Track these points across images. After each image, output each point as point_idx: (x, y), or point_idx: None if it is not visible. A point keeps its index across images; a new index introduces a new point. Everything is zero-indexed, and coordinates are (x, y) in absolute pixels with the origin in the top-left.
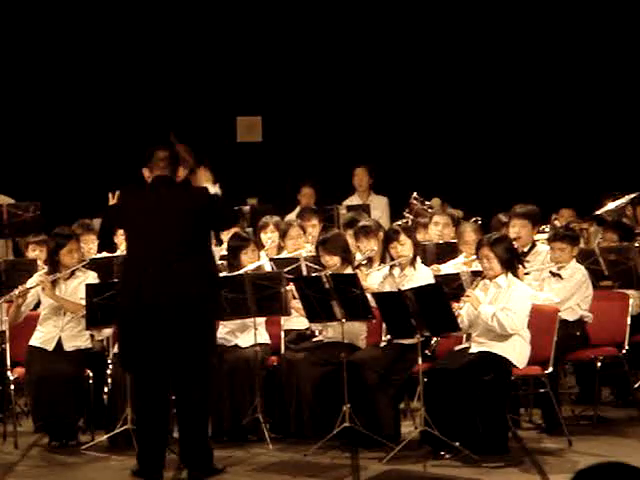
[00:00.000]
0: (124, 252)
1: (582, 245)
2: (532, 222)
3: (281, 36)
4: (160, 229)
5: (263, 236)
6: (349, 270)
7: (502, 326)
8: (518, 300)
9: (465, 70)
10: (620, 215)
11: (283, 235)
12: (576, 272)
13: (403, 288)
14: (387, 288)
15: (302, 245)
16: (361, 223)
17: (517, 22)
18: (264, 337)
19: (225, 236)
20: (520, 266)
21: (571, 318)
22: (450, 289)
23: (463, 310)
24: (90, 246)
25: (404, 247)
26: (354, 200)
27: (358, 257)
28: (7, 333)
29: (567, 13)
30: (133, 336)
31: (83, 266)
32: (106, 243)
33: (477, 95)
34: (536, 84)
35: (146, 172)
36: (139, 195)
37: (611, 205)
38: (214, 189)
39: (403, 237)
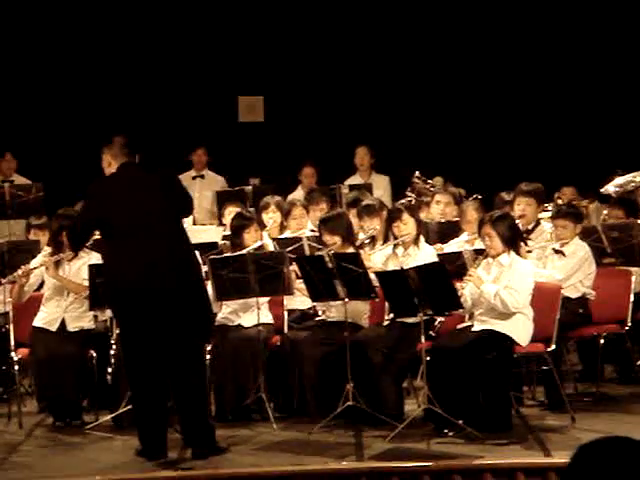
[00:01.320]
0: None
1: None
2: (537, 200)
3: (282, 16)
4: (145, 216)
5: (264, 216)
6: (351, 250)
7: (505, 304)
8: (521, 278)
9: (466, 48)
10: (626, 193)
11: (286, 215)
12: (579, 249)
13: (406, 267)
14: (390, 267)
15: (305, 225)
16: (364, 202)
17: (520, 5)
18: (267, 317)
19: (226, 217)
20: (523, 244)
21: (574, 295)
22: (453, 267)
23: (466, 290)
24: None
25: (407, 226)
26: (355, 179)
27: (361, 236)
28: (11, 314)
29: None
30: (131, 323)
31: (86, 247)
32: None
33: (478, 74)
34: (536, 62)
35: (110, 160)
36: (113, 188)
37: (619, 179)
38: None
39: (406, 216)
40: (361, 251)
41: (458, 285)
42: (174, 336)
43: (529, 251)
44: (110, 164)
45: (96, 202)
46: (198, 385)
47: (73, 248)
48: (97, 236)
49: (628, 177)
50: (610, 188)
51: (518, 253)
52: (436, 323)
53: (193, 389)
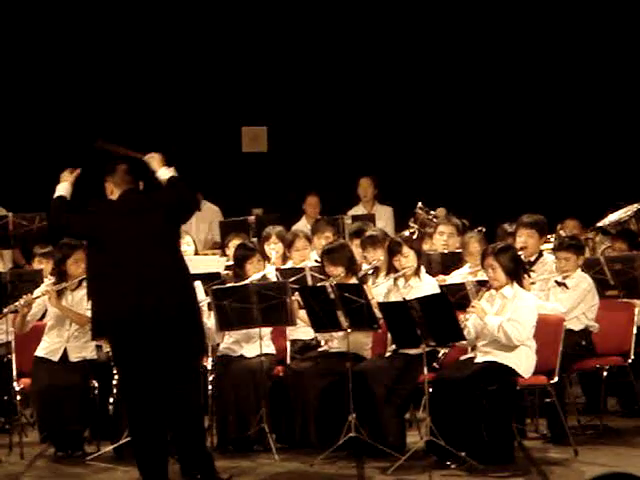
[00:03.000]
0: None
1: (588, 254)
2: (539, 232)
3: (286, 46)
4: (138, 237)
5: (266, 247)
6: (354, 280)
7: (508, 337)
8: (524, 310)
9: (470, 80)
10: (623, 227)
11: (289, 246)
12: (582, 281)
13: (408, 298)
14: (392, 299)
15: (308, 256)
16: (368, 233)
17: (523, 34)
18: (270, 347)
19: (230, 248)
20: (526, 276)
21: (577, 328)
22: (455, 299)
23: (469, 321)
24: None
25: (408, 259)
26: (359, 210)
27: (365, 267)
28: (13, 343)
29: (572, 23)
30: (123, 347)
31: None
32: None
33: (481, 105)
34: (540, 94)
35: (112, 186)
36: (110, 208)
37: (613, 216)
38: (169, 172)
39: (406, 249)
40: (365, 287)
41: (461, 317)
42: (166, 360)
43: (532, 282)
44: (112, 192)
45: (91, 217)
46: (193, 407)
47: (49, 237)
48: None
49: (620, 212)
50: (606, 225)
51: (521, 285)
52: (440, 355)
53: (189, 414)
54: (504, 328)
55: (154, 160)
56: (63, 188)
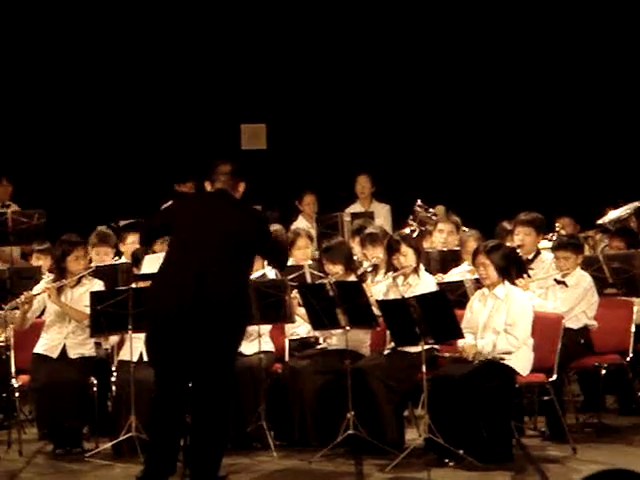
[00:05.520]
0: (129, 260)
1: (588, 253)
2: (536, 230)
3: (285, 44)
4: (210, 239)
5: None
6: (352, 278)
7: (508, 349)
8: (519, 311)
9: (468, 78)
10: (623, 225)
11: (290, 244)
12: (581, 280)
13: (407, 296)
14: (392, 297)
15: (309, 255)
16: (367, 230)
17: (522, 32)
18: (268, 345)
19: None
20: (525, 275)
21: (575, 326)
22: (454, 296)
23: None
24: (103, 257)
25: (406, 257)
26: (356, 208)
27: (364, 265)
28: (12, 340)
29: (570, 21)
30: (166, 335)
31: (88, 274)
32: (149, 240)
33: (479, 103)
34: (538, 92)
35: (208, 186)
36: (196, 203)
37: (613, 214)
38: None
39: (404, 247)
40: (364, 285)
41: (460, 342)
42: (199, 359)
43: (531, 281)
44: (210, 189)
45: (171, 211)
46: (219, 411)
47: (141, 242)
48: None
49: (620, 211)
50: (606, 222)
51: (513, 284)
52: (446, 355)
53: (213, 414)
54: (499, 347)
55: None
56: None
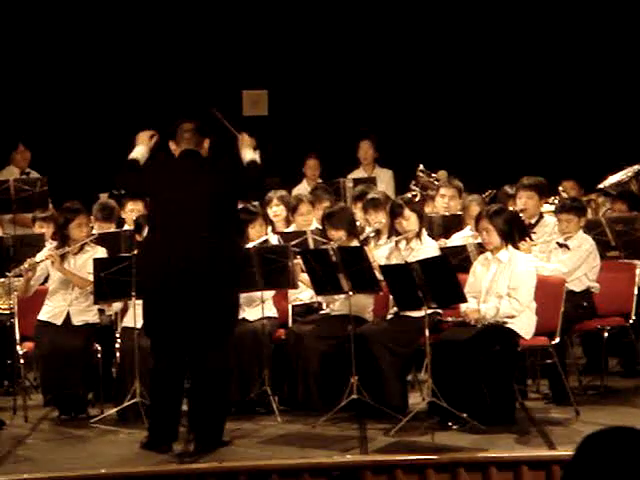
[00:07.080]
0: (131, 227)
1: (590, 216)
2: (539, 194)
3: (286, 10)
4: (187, 203)
5: (269, 210)
6: (355, 243)
7: (510, 314)
8: (522, 275)
9: (469, 42)
10: (624, 189)
11: (293, 210)
12: (583, 243)
13: (409, 261)
14: (394, 262)
15: (311, 221)
16: (370, 195)
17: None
18: (272, 311)
19: None
20: (527, 238)
21: (578, 289)
22: (457, 261)
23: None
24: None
25: (409, 222)
26: (359, 173)
27: (367, 230)
28: (16, 307)
29: None
30: (158, 303)
31: (91, 241)
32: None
33: (481, 67)
34: (542, 55)
35: (172, 145)
36: (165, 167)
37: (613, 178)
38: (253, 155)
39: (407, 212)
40: (366, 248)
41: (463, 307)
42: (204, 320)
43: (534, 244)
44: (175, 150)
45: (141, 175)
46: (218, 374)
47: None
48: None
49: (621, 174)
50: (607, 187)
51: (516, 247)
52: (449, 319)
53: (212, 377)
54: (503, 311)
55: (245, 140)
56: (138, 152)
